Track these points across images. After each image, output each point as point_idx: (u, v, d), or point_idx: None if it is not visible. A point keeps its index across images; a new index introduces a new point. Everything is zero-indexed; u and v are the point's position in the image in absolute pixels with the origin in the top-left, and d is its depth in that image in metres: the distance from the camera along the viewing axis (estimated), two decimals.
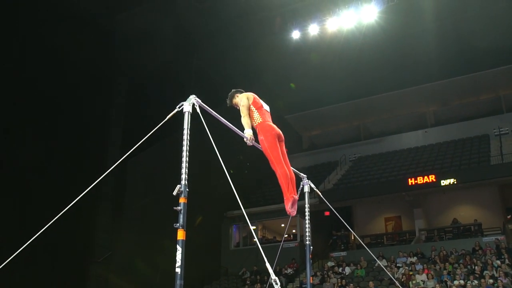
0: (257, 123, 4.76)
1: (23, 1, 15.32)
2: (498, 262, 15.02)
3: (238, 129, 4.71)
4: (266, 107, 4.97)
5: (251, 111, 4.79)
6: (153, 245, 16.98)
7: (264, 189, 23.59)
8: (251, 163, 22.40)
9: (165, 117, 3.81)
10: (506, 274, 14.19)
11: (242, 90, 5.05)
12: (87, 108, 17.74)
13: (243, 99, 4.83)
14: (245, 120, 4.69)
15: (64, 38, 15.98)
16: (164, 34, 18.10)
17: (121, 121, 18.91)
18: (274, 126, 4.82)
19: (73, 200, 3.75)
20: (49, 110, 16.92)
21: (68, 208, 3.72)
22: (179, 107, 3.70)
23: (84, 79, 17.35)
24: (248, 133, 4.52)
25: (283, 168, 4.56)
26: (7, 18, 15.36)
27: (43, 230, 3.68)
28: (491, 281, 13.78)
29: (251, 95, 4.92)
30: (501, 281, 13.69)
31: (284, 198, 4.57)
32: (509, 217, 20.49)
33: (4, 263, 3.53)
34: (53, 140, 16.75)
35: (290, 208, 4.57)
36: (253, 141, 4.56)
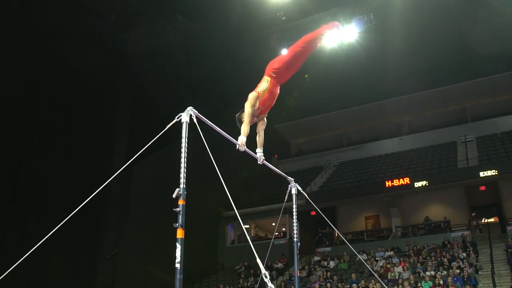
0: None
1: (41, 19, 15.28)
2: (464, 254, 15.16)
3: (233, 138, 4.59)
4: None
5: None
6: (156, 243, 16.86)
7: (256, 191, 23.54)
8: (246, 168, 22.34)
9: (165, 127, 3.81)
10: (471, 265, 14.38)
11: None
12: (96, 119, 17.67)
13: (248, 108, 4.51)
14: (243, 128, 4.43)
15: (74, 53, 15.92)
16: (166, 52, 18.09)
17: (126, 131, 18.84)
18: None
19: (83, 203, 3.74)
20: (61, 120, 16.84)
21: (79, 210, 3.71)
22: (177, 118, 3.70)
23: (93, 91, 17.30)
24: (241, 140, 4.38)
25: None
26: (25, 35, 15.34)
27: (56, 230, 3.66)
28: (458, 271, 13.89)
29: (256, 101, 4.58)
30: (467, 271, 13.86)
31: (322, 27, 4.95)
32: (473, 214, 20.64)
33: (22, 258, 3.54)
34: (66, 147, 16.66)
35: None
36: (245, 147, 4.44)
